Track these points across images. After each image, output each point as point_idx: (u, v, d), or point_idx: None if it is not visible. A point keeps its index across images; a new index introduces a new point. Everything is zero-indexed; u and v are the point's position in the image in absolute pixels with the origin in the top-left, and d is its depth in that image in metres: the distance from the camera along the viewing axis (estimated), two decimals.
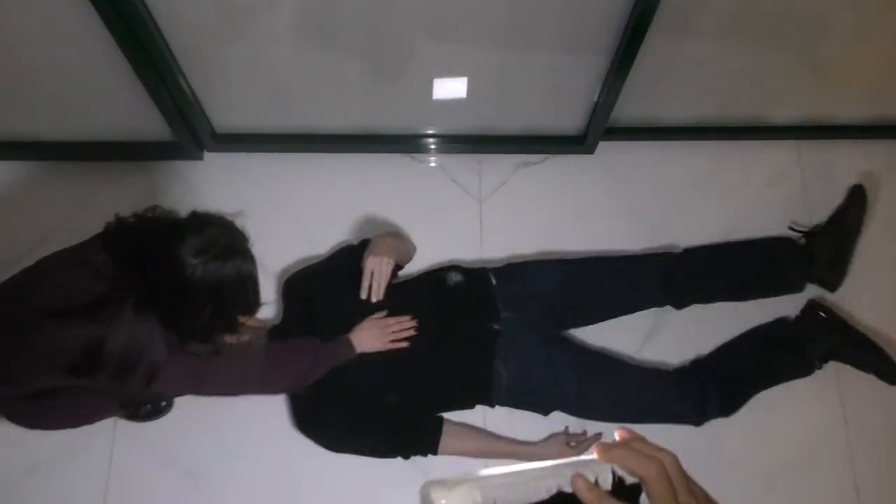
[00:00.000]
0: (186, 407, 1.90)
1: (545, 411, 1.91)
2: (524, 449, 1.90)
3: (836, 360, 1.99)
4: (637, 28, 1.70)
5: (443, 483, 0.63)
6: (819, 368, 1.97)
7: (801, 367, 1.97)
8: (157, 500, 1.92)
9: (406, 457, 1.83)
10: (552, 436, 1.92)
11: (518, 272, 1.98)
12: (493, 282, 1.94)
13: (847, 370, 2.01)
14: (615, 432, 0.70)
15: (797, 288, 2.07)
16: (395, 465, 1.87)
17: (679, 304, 2.04)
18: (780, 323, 2.06)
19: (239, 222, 1.47)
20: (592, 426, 1.93)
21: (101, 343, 1.37)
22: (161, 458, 1.93)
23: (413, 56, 1.87)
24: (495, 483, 0.64)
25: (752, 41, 1.88)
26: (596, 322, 2.02)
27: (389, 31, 1.79)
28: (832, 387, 2.03)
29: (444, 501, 0.62)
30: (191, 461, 1.94)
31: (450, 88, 2.00)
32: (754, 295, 2.07)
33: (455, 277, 1.93)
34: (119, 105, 1.99)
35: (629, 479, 0.64)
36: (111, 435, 1.92)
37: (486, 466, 0.65)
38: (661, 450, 0.65)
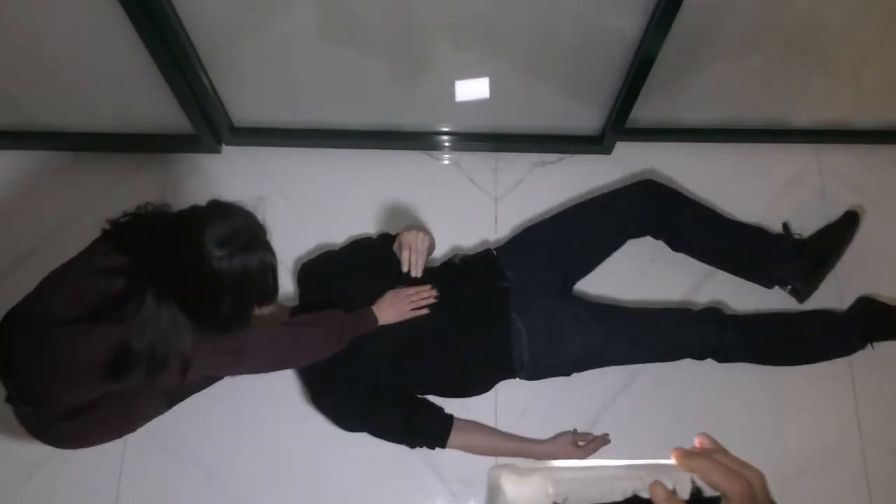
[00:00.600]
0: (200, 399, 1.91)
1: (568, 370, 1.92)
2: (532, 447, 1.90)
3: (883, 339, 1.99)
4: (657, 29, 1.69)
5: (513, 469, 0.60)
6: (861, 348, 1.98)
7: (844, 338, 1.98)
8: (170, 492, 1.93)
9: (412, 446, 1.84)
10: (560, 435, 1.93)
11: (515, 244, 2.02)
12: (494, 253, 1.99)
13: (862, 372, 2.01)
14: (695, 439, 0.66)
15: (766, 283, 2.07)
16: (406, 461, 1.88)
17: (658, 234, 2.07)
18: (830, 310, 2.07)
19: (259, 212, 1.47)
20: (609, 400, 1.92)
21: (128, 341, 1.36)
22: (174, 449, 1.94)
23: (432, 54, 1.88)
24: (568, 477, 0.61)
25: (771, 45, 1.88)
26: (597, 265, 2.05)
27: (409, 29, 1.80)
28: (846, 388, 2.02)
29: (513, 488, 0.60)
30: (204, 453, 1.95)
31: (471, 89, 2.01)
32: (725, 266, 2.09)
33: (460, 255, 1.98)
34: (140, 97, 2.00)
35: (707, 491, 0.62)
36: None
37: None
38: (749, 466, 0.61)
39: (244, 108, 2.12)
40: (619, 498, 0.61)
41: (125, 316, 1.36)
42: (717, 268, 2.09)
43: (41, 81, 1.97)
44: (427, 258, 1.98)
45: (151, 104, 2.03)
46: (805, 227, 2.13)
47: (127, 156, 2.25)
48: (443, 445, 1.84)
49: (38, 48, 1.82)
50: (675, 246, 2.08)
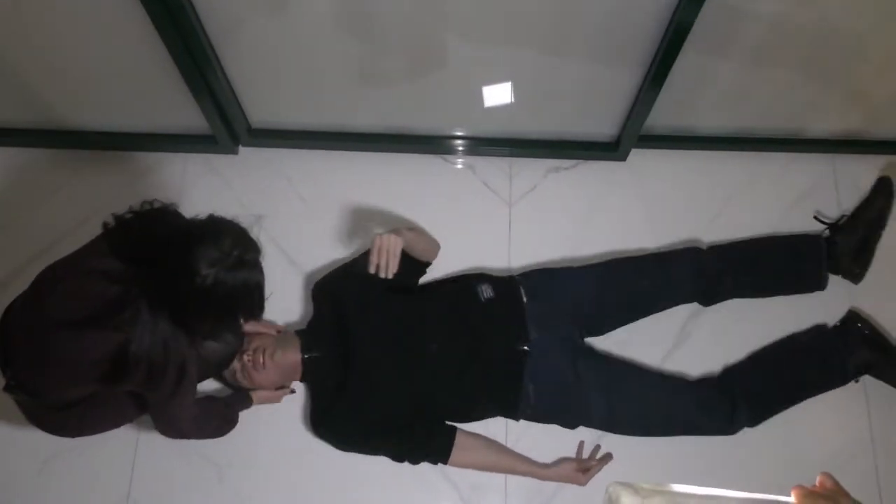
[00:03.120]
0: None
1: (572, 426, 1.93)
2: (534, 469, 1.90)
3: (872, 375, 1.98)
4: (674, 38, 1.70)
5: (634, 489, 0.60)
6: (855, 381, 1.96)
7: (838, 378, 1.95)
8: (182, 490, 1.94)
9: (415, 463, 1.86)
10: (563, 460, 1.93)
11: (548, 285, 1.98)
12: (524, 299, 1.94)
13: (875, 386, 1.99)
14: (817, 478, 0.65)
15: (819, 283, 2.05)
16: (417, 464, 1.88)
17: (707, 301, 2.05)
18: (817, 332, 2.05)
19: (254, 230, 1.49)
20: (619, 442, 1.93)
21: (126, 347, 1.39)
22: (186, 448, 1.94)
23: (449, 58, 1.88)
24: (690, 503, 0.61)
25: (787, 56, 1.87)
26: (626, 323, 2.02)
27: (427, 33, 1.80)
28: (860, 403, 2.01)
29: None
30: (215, 452, 1.96)
31: (493, 94, 2.02)
32: (777, 290, 2.07)
33: (487, 292, 1.94)
34: (159, 98, 2.02)
35: None
36: (136, 424, 1.94)
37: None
38: None
39: (262, 109, 2.13)
40: None
41: (122, 323, 1.40)
42: (767, 297, 2.07)
43: (59, 80, 1.99)
44: (425, 261, 1.99)
45: (170, 104, 2.04)
46: (816, 212, 2.16)
47: (144, 155, 2.27)
48: (445, 462, 1.85)
49: (56, 47, 1.84)
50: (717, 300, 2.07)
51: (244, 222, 1.50)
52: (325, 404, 1.89)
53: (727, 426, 1.90)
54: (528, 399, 1.86)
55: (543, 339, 1.90)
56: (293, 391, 1.97)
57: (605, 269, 2.02)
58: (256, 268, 1.47)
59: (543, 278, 2.00)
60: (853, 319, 2.03)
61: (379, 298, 1.90)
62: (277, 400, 1.95)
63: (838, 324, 2.05)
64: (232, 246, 1.41)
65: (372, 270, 1.71)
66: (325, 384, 1.90)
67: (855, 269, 2.06)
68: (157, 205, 1.55)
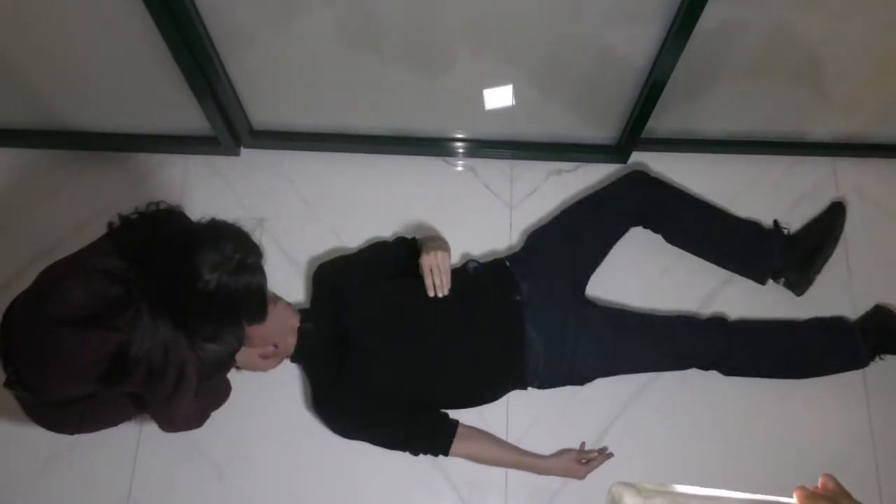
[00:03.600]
0: None
1: (581, 380, 1.93)
2: (534, 460, 1.91)
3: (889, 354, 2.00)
4: (676, 41, 1.70)
5: (637, 489, 0.60)
6: (880, 359, 1.99)
7: (850, 356, 1.98)
8: (182, 490, 1.94)
9: (415, 453, 1.86)
10: (564, 451, 1.93)
11: (525, 252, 2.05)
12: (507, 264, 2.00)
13: (875, 385, 2.01)
14: (819, 479, 0.65)
15: (760, 277, 2.09)
16: (416, 464, 1.89)
17: (651, 224, 2.12)
18: (840, 319, 2.07)
19: (256, 233, 1.49)
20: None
21: (126, 349, 1.39)
22: (187, 447, 1.95)
23: (450, 61, 1.89)
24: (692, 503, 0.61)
25: (789, 59, 1.88)
26: (603, 259, 2.07)
27: (429, 36, 1.81)
28: (859, 396, 2.02)
29: None
30: (217, 452, 1.96)
31: (494, 96, 2.03)
32: (718, 258, 2.11)
33: (472, 264, 1.98)
34: (162, 99, 2.02)
35: None
36: (137, 423, 1.94)
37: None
38: None
39: (264, 110, 2.14)
40: None
41: (122, 324, 1.39)
42: (711, 262, 2.11)
43: (60, 80, 1.99)
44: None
45: (171, 105, 2.05)
46: (777, 218, 2.16)
47: (146, 156, 2.27)
48: (446, 453, 1.85)
49: (57, 47, 1.84)
50: (670, 238, 2.12)
51: (246, 226, 1.51)
52: (326, 388, 1.89)
53: (723, 365, 1.95)
54: (534, 347, 1.86)
55: (535, 289, 1.92)
56: (276, 347, 1.87)
57: (565, 214, 2.11)
58: (259, 271, 1.47)
59: (520, 252, 2.06)
60: (880, 311, 2.05)
61: (379, 287, 1.92)
62: (262, 367, 1.89)
63: (865, 314, 2.07)
64: (234, 250, 1.41)
65: (431, 294, 1.84)
66: (321, 366, 1.90)
67: (797, 280, 2.07)
68: (162, 206, 1.56)
